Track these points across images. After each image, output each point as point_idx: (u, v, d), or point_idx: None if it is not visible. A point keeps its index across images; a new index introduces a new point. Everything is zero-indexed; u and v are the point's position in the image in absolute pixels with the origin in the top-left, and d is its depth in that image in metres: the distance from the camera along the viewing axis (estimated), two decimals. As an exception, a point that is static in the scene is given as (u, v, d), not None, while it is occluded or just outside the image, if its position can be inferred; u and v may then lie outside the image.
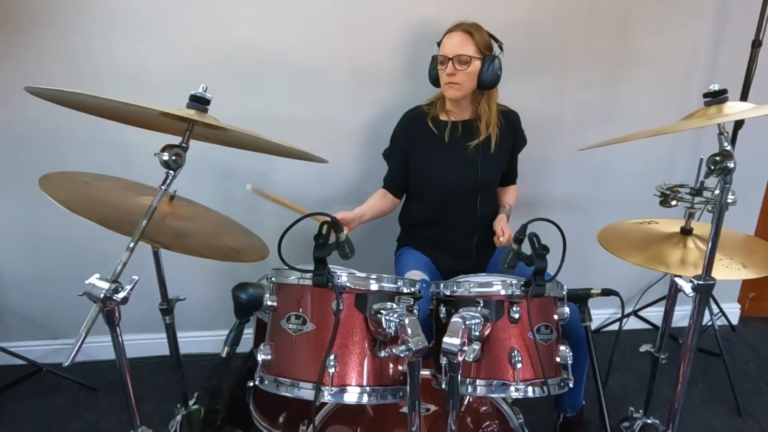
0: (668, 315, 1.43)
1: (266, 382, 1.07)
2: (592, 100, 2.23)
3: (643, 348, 1.50)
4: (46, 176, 1.25)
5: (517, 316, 1.03)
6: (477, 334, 0.95)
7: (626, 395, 2.14)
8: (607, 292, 1.25)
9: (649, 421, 1.51)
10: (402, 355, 0.89)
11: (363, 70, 2.06)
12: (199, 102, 0.95)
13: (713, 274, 1.05)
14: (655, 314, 2.53)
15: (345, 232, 1.07)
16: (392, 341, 1.03)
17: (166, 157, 0.93)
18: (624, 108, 2.25)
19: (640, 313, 2.52)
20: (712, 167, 0.93)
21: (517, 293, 1.04)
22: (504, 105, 1.83)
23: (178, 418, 1.54)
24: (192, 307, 2.40)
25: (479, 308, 1.00)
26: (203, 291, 2.38)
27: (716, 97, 0.95)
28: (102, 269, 2.33)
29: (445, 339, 0.90)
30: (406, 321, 0.92)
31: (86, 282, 0.89)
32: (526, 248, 1.12)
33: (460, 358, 0.90)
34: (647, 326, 2.54)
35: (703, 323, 2.39)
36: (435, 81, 1.73)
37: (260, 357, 1.07)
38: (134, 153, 2.13)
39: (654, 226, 1.46)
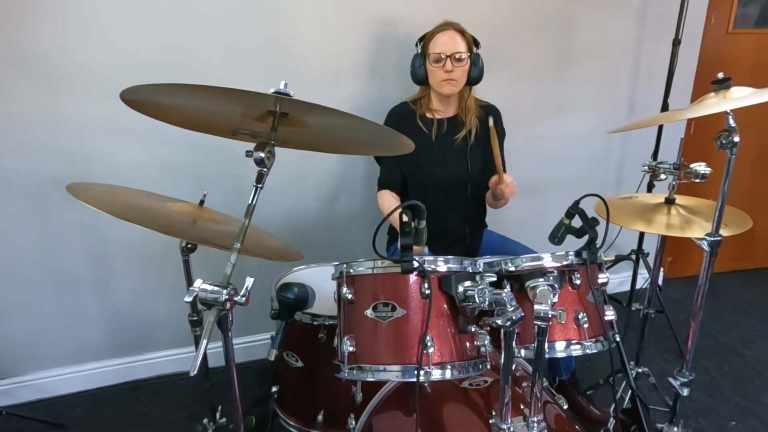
0: (656, 275, 1.66)
1: (354, 372, 1.08)
2: (543, 93, 2.46)
3: (634, 306, 1.71)
4: (73, 186, 1.15)
5: (578, 282, 1.16)
6: (555, 300, 1.06)
7: (592, 355, 2.41)
8: (620, 259, 1.43)
9: (640, 370, 1.73)
10: (508, 323, 0.97)
11: (338, 67, 2.10)
12: (284, 96, 0.94)
13: (707, 233, 1.27)
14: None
15: (425, 220, 1.11)
16: (479, 315, 1.11)
17: (262, 155, 0.91)
18: (569, 99, 2.51)
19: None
20: (723, 141, 1.12)
21: (576, 262, 1.16)
22: (483, 100, 1.96)
23: (210, 433, 1.46)
24: (159, 326, 2.27)
25: (550, 277, 1.10)
26: (169, 308, 2.26)
27: (722, 84, 1.14)
28: (57, 298, 2.12)
29: (537, 306, 0.99)
30: (503, 294, 1.00)
31: (193, 288, 0.85)
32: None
33: (551, 323, 1.00)
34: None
35: (642, 286, 2.75)
36: (421, 80, 1.81)
37: (345, 349, 1.08)
38: (95, 162, 1.98)
39: (636, 200, 1.68)
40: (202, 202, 1.31)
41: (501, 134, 2.00)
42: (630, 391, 1.71)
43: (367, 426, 1.37)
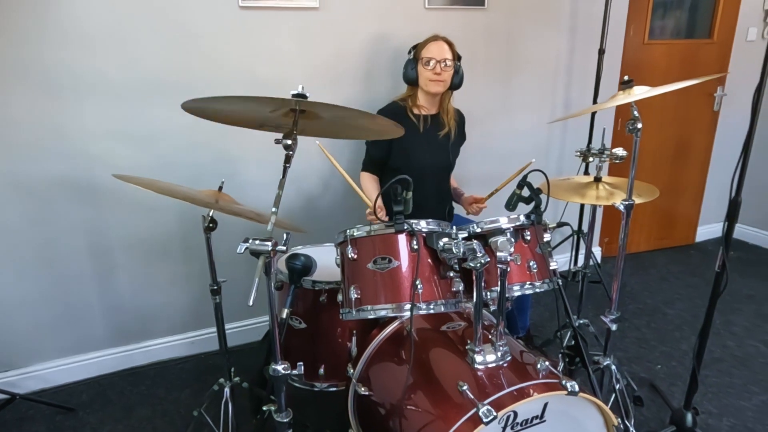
0: (590, 242, 2.03)
1: (360, 313, 1.37)
2: (493, 96, 2.83)
3: (574, 268, 2.08)
4: (119, 176, 1.38)
5: (529, 237, 1.49)
6: (512, 249, 1.38)
7: (544, 318, 2.79)
8: (560, 224, 1.78)
9: (581, 321, 2.10)
10: (478, 265, 1.28)
11: (341, 71, 2.43)
12: (302, 98, 1.22)
13: (623, 199, 1.65)
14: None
15: (411, 191, 1.41)
16: (458, 263, 1.42)
17: (289, 142, 1.19)
18: (514, 101, 2.89)
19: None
20: (630, 127, 1.49)
21: (526, 223, 1.50)
22: (455, 107, 2.31)
23: (227, 390, 1.70)
24: (156, 316, 2.46)
25: (508, 234, 1.43)
26: (165, 299, 2.47)
27: (627, 84, 1.52)
28: (60, 292, 2.30)
29: (499, 254, 1.32)
30: (473, 244, 1.31)
31: (243, 243, 1.10)
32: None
33: (511, 266, 1.32)
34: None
35: (580, 264, 3.15)
36: (412, 80, 2.12)
37: (353, 296, 1.37)
38: (95, 164, 2.16)
39: (572, 180, 2.05)
40: (220, 188, 1.56)
41: (462, 139, 2.34)
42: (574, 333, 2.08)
43: (364, 372, 1.65)
